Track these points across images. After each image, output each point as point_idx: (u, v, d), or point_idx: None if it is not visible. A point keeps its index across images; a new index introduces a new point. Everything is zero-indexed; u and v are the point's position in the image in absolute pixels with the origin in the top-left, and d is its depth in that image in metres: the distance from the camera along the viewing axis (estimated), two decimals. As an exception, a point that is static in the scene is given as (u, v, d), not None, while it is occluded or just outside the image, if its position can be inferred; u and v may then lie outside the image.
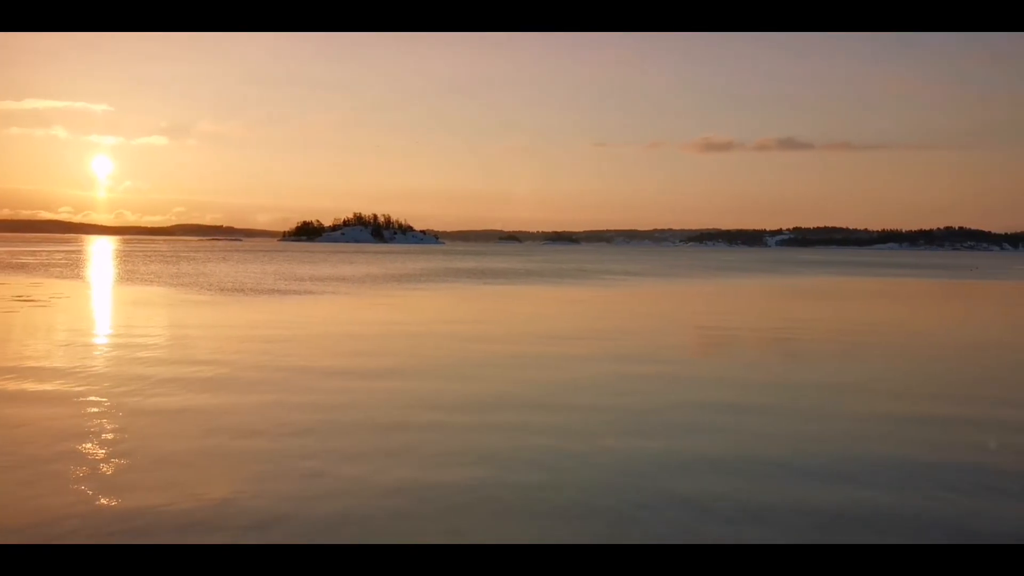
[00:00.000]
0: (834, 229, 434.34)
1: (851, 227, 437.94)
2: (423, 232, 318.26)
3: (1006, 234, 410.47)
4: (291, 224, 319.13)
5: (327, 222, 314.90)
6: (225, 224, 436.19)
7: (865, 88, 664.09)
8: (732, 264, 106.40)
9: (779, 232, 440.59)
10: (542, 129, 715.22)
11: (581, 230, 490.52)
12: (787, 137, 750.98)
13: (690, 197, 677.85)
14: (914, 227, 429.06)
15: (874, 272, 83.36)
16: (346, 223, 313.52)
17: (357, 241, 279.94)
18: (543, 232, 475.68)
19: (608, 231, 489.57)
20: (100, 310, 31.01)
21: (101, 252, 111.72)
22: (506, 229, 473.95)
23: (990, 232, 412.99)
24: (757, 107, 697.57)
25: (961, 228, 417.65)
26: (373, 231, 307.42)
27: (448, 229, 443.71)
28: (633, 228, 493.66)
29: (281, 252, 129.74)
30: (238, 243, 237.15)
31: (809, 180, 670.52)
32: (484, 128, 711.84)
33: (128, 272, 58.13)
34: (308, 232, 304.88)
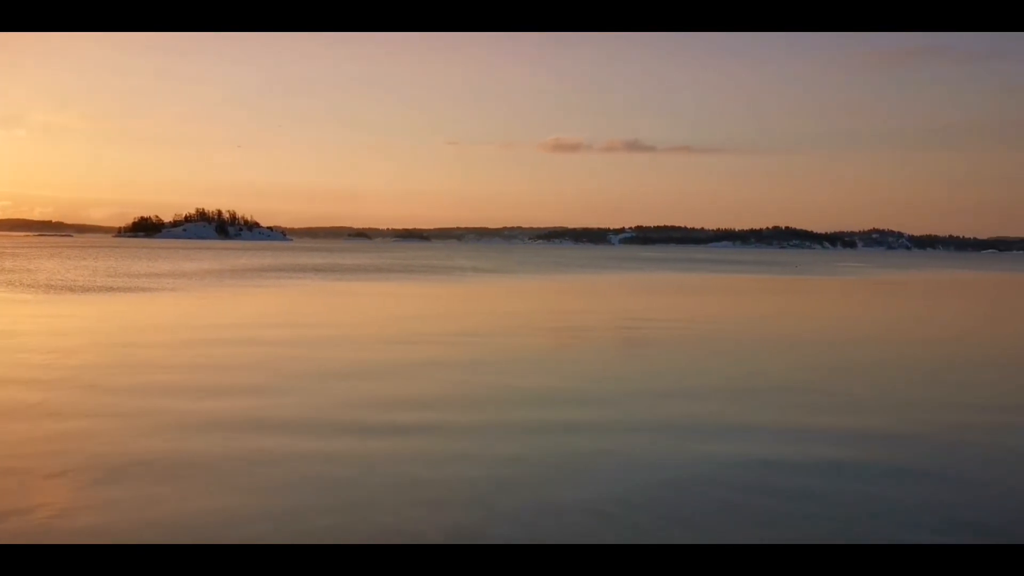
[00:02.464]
0: (673, 228, 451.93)
1: (689, 226, 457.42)
2: (270, 229, 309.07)
3: (826, 233, 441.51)
4: (129, 220, 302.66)
5: (168, 218, 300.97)
6: (55, 219, 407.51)
7: (705, 93, 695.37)
8: (578, 261, 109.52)
9: (622, 231, 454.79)
10: (395, 127, 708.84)
11: (432, 228, 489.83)
12: (633, 139, 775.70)
13: (540, 196, 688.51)
14: (746, 227, 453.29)
15: (710, 268, 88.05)
16: (188, 219, 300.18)
17: (200, 238, 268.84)
18: (393, 230, 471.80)
19: (459, 229, 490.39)
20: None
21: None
22: (355, 226, 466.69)
23: (813, 232, 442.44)
24: (606, 110, 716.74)
25: (787, 228, 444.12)
26: (217, 227, 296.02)
27: (296, 226, 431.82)
28: (484, 226, 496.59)
29: (116, 248, 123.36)
30: (68, 239, 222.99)
31: (652, 181, 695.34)
32: (335, 125, 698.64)
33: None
34: (146, 228, 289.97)
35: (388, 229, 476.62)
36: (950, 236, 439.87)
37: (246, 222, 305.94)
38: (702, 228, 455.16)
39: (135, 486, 8.62)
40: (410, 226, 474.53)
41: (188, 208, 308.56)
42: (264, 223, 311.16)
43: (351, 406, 12.67)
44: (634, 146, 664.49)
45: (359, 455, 9.93)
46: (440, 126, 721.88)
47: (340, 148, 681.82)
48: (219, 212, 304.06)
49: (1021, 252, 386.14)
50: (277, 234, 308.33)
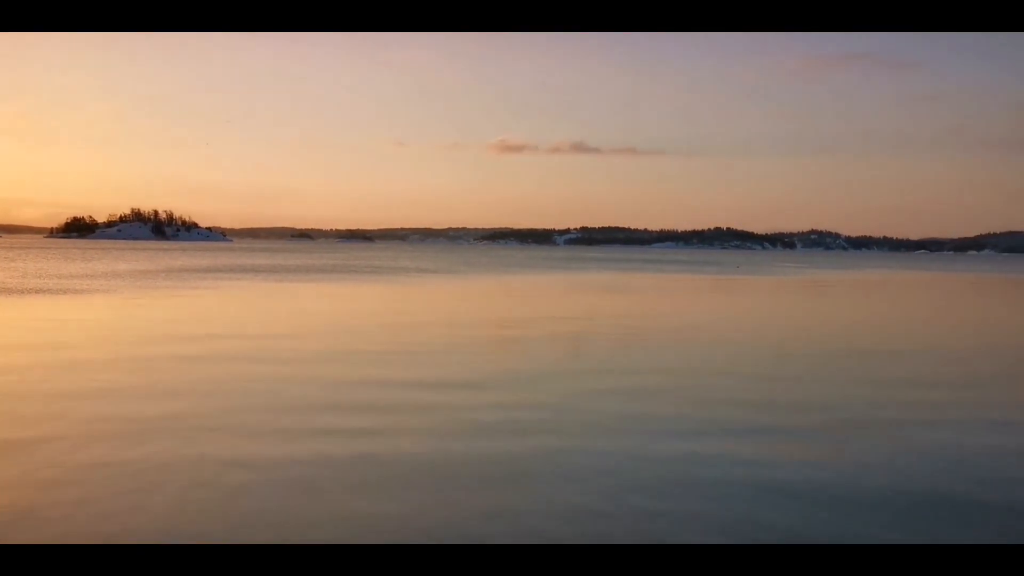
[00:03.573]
0: (618, 229, 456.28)
1: (633, 227, 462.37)
2: (209, 229, 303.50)
3: (766, 234, 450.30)
4: (62, 220, 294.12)
5: (102, 218, 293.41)
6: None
7: (651, 96, 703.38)
8: (522, 262, 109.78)
9: (568, 232, 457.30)
10: (342, 128, 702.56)
11: (376, 228, 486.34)
12: (579, 141, 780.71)
13: (486, 197, 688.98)
14: (689, 228, 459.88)
15: (652, 269, 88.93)
16: (123, 219, 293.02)
17: (136, 238, 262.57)
18: (337, 230, 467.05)
19: (403, 229, 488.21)
20: None
21: None
22: (298, 227, 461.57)
23: (753, 233, 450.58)
24: (553, 111, 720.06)
25: (729, 229, 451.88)
26: (154, 228, 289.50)
27: (236, 226, 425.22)
28: (429, 227, 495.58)
29: (47, 249, 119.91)
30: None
31: (597, 183, 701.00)
32: (279, 125, 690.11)
33: None
34: (80, 229, 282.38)
35: (331, 230, 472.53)
36: (884, 237, 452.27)
37: (184, 223, 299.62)
38: (646, 229, 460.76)
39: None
40: (354, 227, 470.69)
41: (123, 208, 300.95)
42: (203, 224, 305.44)
43: (245, 411, 12.41)
44: (580, 147, 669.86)
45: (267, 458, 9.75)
46: (387, 126, 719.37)
47: (283, 148, 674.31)
48: (156, 212, 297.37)
49: (950, 252, 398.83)
50: (216, 235, 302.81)
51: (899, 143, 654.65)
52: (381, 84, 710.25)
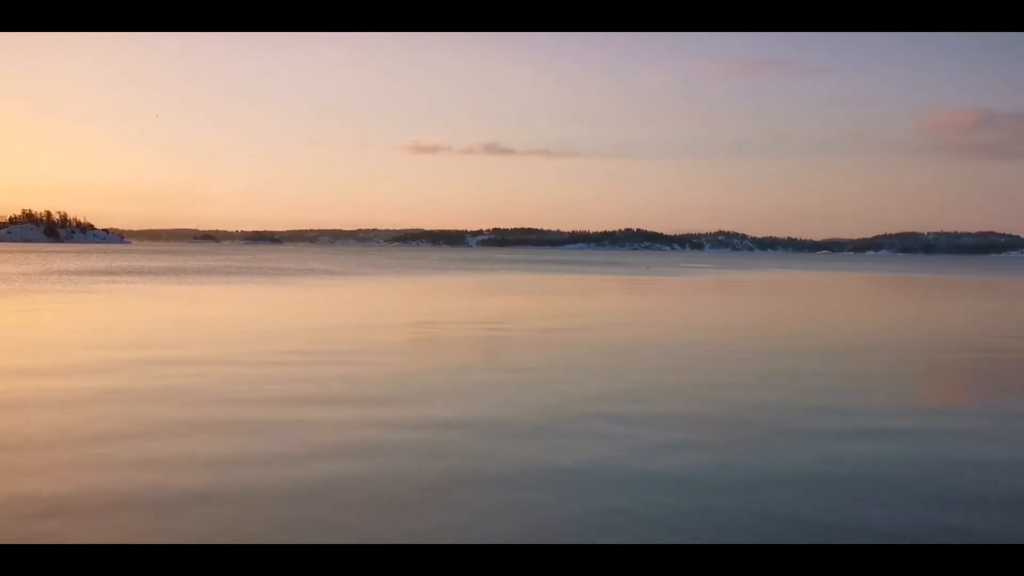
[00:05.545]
0: (530, 230, 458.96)
1: (545, 228, 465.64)
2: (106, 231, 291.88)
3: (675, 235, 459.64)
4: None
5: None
6: None
7: (565, 97, 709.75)
8: (432, 263, 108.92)
9: (480, 233, 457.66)
10: (250, 127, 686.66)
11: (284, 230, 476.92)
12: (493, 142, 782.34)
13: (397, 198, 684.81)
14: (600, 229, 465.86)
15: (566, 270, 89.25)
16: (13, 220, 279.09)
17: (27, 240, 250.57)
18: (243, 232, 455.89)
19: (312, 231, 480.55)
20: None
21: None
22: (201, 228, 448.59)
23: (663, 234, 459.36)
24: (467, 112, 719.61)
25: (639, 230, 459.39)
26: (46, 230, 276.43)
27: (135, 228, 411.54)
28: (338, 228, 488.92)
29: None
30: None
31: (510, 184, 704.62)
32: (184, 124, 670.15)
33: None
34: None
35: (237, 231, 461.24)
36: (789, 238, 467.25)
37: (79, 224, 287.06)
38: (558, 230, 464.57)
39: None
40: (261, 228, 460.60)
41: (13, 209, 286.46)
42: (99, 225, 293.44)
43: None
44: (493, 149, 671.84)
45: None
46: (298, 126, 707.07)
47: (187, 147, 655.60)
48: (48, 213, 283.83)
49: (850, 253, 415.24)
50: (114, 237, 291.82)
51: (805, 147, 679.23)
52: (291, 83, 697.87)
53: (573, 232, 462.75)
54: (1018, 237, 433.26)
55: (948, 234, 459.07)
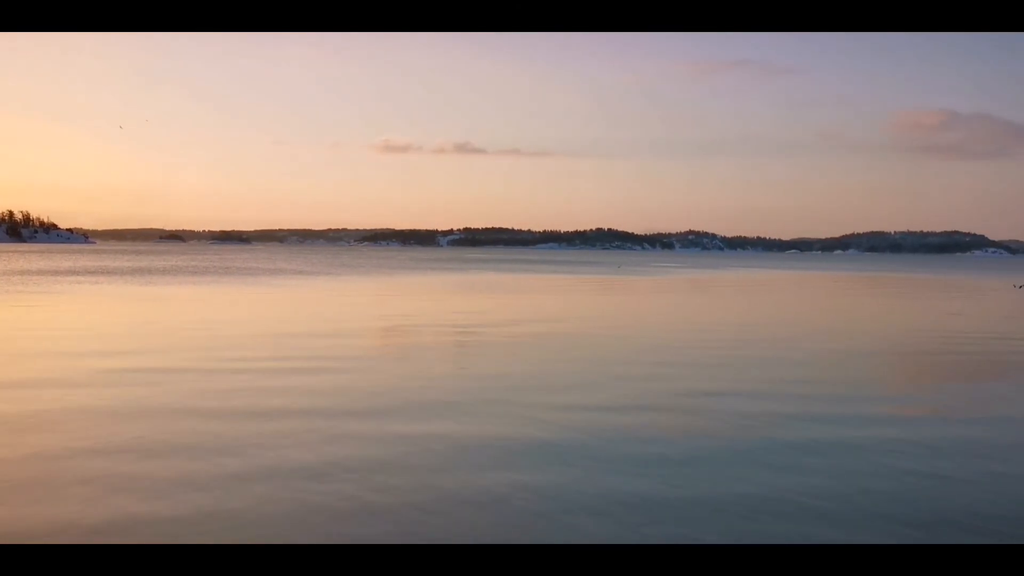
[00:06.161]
0: (501, 230, 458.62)
1: (516, 228, 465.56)
2: (70, 231, 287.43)
3: (646, 235, 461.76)
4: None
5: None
6: None
7: (536, 97, 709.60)
8: (404, 263, 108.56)
9: (451, 232, 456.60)
10: (218, 126, 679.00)
11: (252, 230, 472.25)
12: (464, 142, 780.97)
13: (368, 198, 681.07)
14: (571, 228, 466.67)
15: (537, 269, 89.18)
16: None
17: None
18: (210, 232, 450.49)
19: (281, 230, 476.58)
20: None
21: None
22: (168, 228, 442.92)
23: (633, 233, 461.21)
24: (438, 111, 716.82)
25: (610, 230, 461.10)
26: (8, 229, 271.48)
27: (100, 228, 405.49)
28: (307, 228, 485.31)
29: None
30: None
31: (481, 184, 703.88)
32: (149, 123, 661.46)
33: None
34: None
35: (205, 231, 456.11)
36: (758, 237, 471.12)
37: (42, 224, 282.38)
38: (529, 230, 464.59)
39: None
40: (229, 228, 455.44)
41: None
42: (63, 225, 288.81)
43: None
44: (465, 148, 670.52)
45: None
46: (267, 125, 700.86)
47: (153, 147, 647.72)
48: (10, 213, 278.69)
49: (819, 252, 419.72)
50: (78, 236, 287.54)
51: (773, 147, 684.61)
52: (259, 82, 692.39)
53: (544, 232, 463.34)
54: (983, 236, 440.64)
55: (915, 233, 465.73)
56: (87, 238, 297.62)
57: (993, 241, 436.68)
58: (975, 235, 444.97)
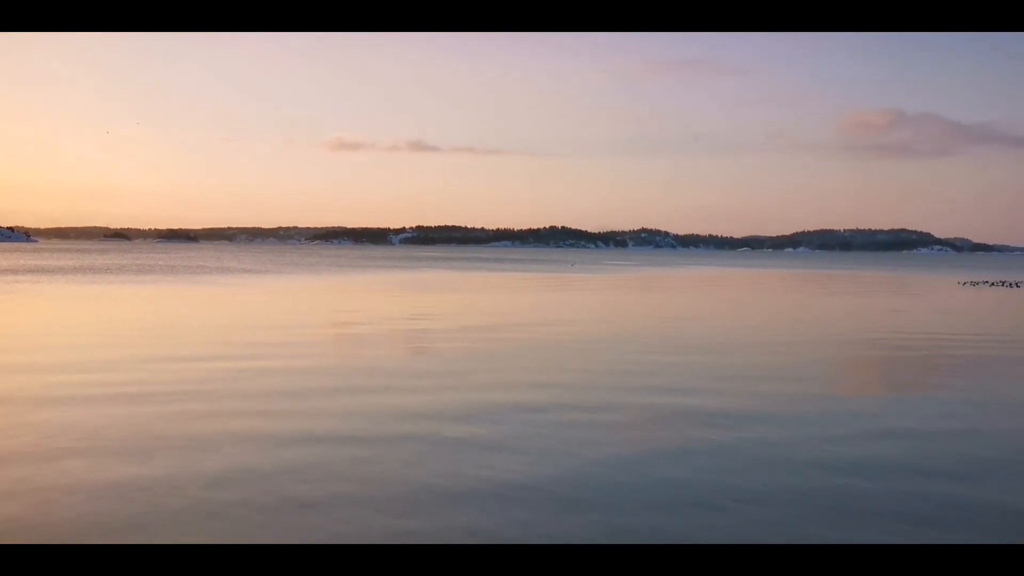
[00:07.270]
0: (454, 228, 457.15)
1: (470, 226, 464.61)
2: (10, 229, 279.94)
3: (599, 233, 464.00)
4: None
5: None
6: None
7: (490, 94, 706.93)
8: (355, 261, 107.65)
9: (403, 231, 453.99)
10: (165, 122, 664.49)
11: (201, 228, 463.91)
12: (417, 139, 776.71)
13: (319, 196, 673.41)
14: (525, 227, 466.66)
15: (490, 267, 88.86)
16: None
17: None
18: (157, 230, 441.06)
19: (230, 229, 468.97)
20: None
21: None
22: (112, 226, 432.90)
23: (587, 231, 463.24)
24: (390, 108, 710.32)
25: (564, 228, 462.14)
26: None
27: (42, 226, 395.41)
28: (257, 226, 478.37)
29: None
30: None
31: (434, 181, 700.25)
32: (91, 117, 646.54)
33: None
34: None
35: (151, 229, 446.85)
36: (710, 235, 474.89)
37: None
38: (482, 228, 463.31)
39: None
40: (176, 226, 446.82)
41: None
42: (3, 223, 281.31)
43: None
44: (418, 146, 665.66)
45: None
46: (216, 121, 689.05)
47: (96, 143, 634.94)
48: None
49: (770, 250, 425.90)
50: (19, 235, 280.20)
51: (727, 145, 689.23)
52: (208, 78, 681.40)
53: (498, 230, 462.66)
54: (929, 234, 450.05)
55: (863, 231, 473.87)
56: (29, 236, 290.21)
57: (939, 239, 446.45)
58: (922, 233, 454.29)
